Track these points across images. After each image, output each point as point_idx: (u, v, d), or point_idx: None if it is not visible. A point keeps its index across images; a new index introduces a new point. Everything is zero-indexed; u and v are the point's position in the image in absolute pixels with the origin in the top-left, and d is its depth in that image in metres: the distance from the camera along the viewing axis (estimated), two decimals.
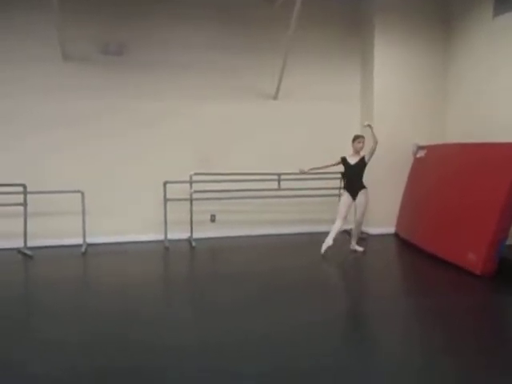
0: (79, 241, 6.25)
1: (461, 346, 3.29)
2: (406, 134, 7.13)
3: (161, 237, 6.54)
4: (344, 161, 5.96)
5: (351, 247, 6.09)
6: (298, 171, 6.09)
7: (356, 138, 5.91)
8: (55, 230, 6.32)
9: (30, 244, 6.05)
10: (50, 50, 6.17)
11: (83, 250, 6.08)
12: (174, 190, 6.45)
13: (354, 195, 5.87)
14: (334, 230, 5.81)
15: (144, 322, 3.62)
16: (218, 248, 6.54)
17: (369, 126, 5.74)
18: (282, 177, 6.73)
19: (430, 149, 6.66)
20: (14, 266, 5.57)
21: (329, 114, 7.33)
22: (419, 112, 7.25)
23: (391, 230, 7.19)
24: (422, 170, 6.68)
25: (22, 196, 5.98)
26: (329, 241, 5.74)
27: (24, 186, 5.97)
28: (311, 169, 6.09)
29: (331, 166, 6.03)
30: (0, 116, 6.18)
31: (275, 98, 7.10)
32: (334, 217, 7.23)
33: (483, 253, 4.84)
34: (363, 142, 5.88)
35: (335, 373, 2.84)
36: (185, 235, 6.73)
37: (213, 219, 7.05)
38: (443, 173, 6.03)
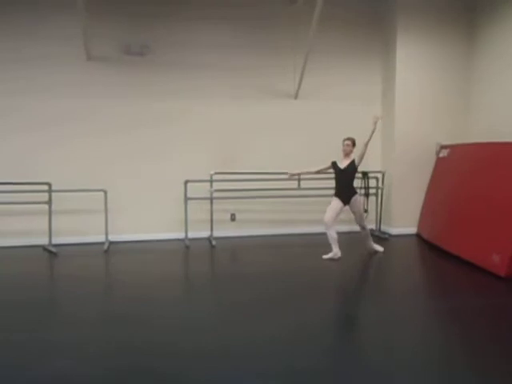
0: (102, 238, 6.37)
1: (482, 350, 3.22)
2: (428, 133, 7.05)
3: (181, 235, 6.60)
4: (334, 165, 5.68)
5: (371, 248, 5.96)
6: (287, 176, 5.97)
7: (343, 141, 5.63)
8: (79, 227, 6.46)
9: (54, 241, 6.20)
10: (75, 50, 6.30)
11: (105, 247, 6.19)
12: (194, 189, 6.51)
13: (345, 201, 5.57)
14: (333, 240, 5.56)
15: (159, 323, 3.61)
16: (238, 247, 6.56)
17: (375, 121, 5.44)
18: (303, 176, 6.71)
19: (453, 148, 6.56)
20: (39, 262, 5.70)
21: (350, 114, 7.27)
22: (442, 112, 7.13)
23: (413, 230, 7.11)
24: (445, 170, 6.59)
25: (46, 194, 6.13)
26: (337, 252, 5.54)
27: (49, 184, 6.11)
28: (302, 172, 5.96)
29: (323, 170, 5.80)
30: (25, 115, 6.33)
31: (296, 97, 7.09)
32: (353, 216, 7.25)
33: (508, 254, 4.74)
34: (350, 145, 5.57)
35: (345, 375, 2.82)
36: (205, 234, 6.78)
37: (233, 218, 7.08)
38: (467, 172, 5.93)
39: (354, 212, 5.68)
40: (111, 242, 6.41)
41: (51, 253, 5.98)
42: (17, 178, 6.01)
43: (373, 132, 5.43)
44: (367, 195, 7.08)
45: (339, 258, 5.54)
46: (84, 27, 5.82)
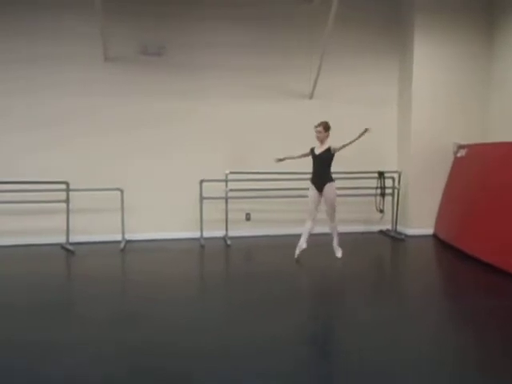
0: (118, 237, 6.44)
1: (497, 357, 3.13)
2: (445, 134, 6.97)
3: (197, 235, 6.63)
4: (312, 151, 5.57)
5: (334, 248, 5.70)
6: (276, 160, 5.84)
7: (315, 127, 5.46)
8: (95, 226, 6.53)
9: (72, 240, 6.28)
10: (91, 50, 6.38)
11: (122, 246, 6.25)
12: (209, 189, 6.54)
13: (319, 189, 5.44)
14: (305, 231, 5.56)
15: (166, 324, 3.60)
16: (253, 247, 6.56)
17: (362, 133, 5.26)
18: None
19: (471, 148, 6.47)
20: (56, 261, 5.78)
21: (365, 114, 7.20)
22: (459, 113, 7.03)
23: (429, 231, 7.02)
24: (463, 170, 6.50)
25: (64, 193, 6.21)
26: (302, 244, 5.55)
27: (67, 183, 6.20)
28: (286, 157, 5.79)
29: (302, 156, 5.69)
30: (44, 116, 6.42)
31: (311, 97, 7.07)
32: (368, 217, 7.23)
33: None
34: (322, 132, 5.40)
35: (347, 375, 2.80)
36: (220, 233, 6.80)
37: (248, 218, 7.09)
38: (485, 172, 5.84)
39: (325, 200, 5.47)
40: (127, 241, 6.47)
41: (69, 251, 6.06)
42: (30, 176, 6.10)
43: (354, 141, 5.25)
44: (383, 195, 7.04)
45: (301, 251, 5.52)
46: (101, 28, 5.88)
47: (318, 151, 5.51)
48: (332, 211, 5.51)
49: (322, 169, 5.46)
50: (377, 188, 7.04)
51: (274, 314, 3.81)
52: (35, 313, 3.86)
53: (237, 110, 6.91)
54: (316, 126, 5.46)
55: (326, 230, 6.97)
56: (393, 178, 7.11)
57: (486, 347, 3.25)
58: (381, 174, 7.04)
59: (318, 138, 5.47)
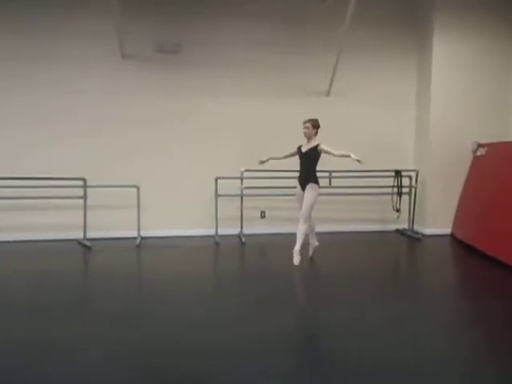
0: (134, 234, 6.49)
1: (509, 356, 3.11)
2: (464, 133, 6.84)
3: (211, 232, 6.65)
4: (298, 149, 5.39)
5: (294, 253, 5.27)
6: (259, 162, 5.66)
7: (303, 123, 5.26)
8: (112, 222, 6.58)
9: (88, 235, 6.36)
10: (109, 48, 6.42)
11: (137, 242, 6.31)
12: (224, 186, 6.55)
13: (302, 187, 5.27)
14: (310, 231, 5.49)
15: (175, 322, 3.60)
16: (267, 244, 6.56)
17: (355, 158, 4.90)
18: (333, 174, 6.64)
19: (491, 147, 6.35)
20: (73, 256, 5.84)
21: (382, 113, 7.15)
22: (479, 112, 6.92)
23: (447, 230, 6.93)
24: (483, 169, 6.38)
25: (82, 189, 6.28)
26: (313, 242, 5.53)
27: (84, 179, 6.26)
28: (271, 158, 5.61)
29: (288, 155, 5.52)
30: (62, 113, 6.49)
31: (327, 94, 7.02)
32: (385, 216, 7.18)
33: None
34: (310, 128, 5.20)
35: (348, 374, 2.77)
36: (235, 231, 6.81)
37: (263, 215, 7.08)
38: (505, 171, 5.73)
39: (304, 199, 5.20)
40: (143, 238, 6.52)
41: (86, 247, 6.14)
42: (43, 172, 6.15)
43: (342, 156, 5.02)
44: (400, 194, 6.97)
45: (314, 249, 5.50)
46: (117, 25, 5.92)
47: (304, 149, 5.35)
48: (307, 212, 5.20)
49: (306, 167, 5.29)
50: (393, 187, 6.97)
51: (285, 312, 3.80)
52: (44, 310, 3.84)
53: (253, 107, 6.90)
54: (304, 122, 5.28)
55: (338, 228, 6.98)
56: (410, 177, 7.03)
57: (498, 346, 3.21)
58: (398, 173, 6.96)
59: (305, 134, 5.28)
